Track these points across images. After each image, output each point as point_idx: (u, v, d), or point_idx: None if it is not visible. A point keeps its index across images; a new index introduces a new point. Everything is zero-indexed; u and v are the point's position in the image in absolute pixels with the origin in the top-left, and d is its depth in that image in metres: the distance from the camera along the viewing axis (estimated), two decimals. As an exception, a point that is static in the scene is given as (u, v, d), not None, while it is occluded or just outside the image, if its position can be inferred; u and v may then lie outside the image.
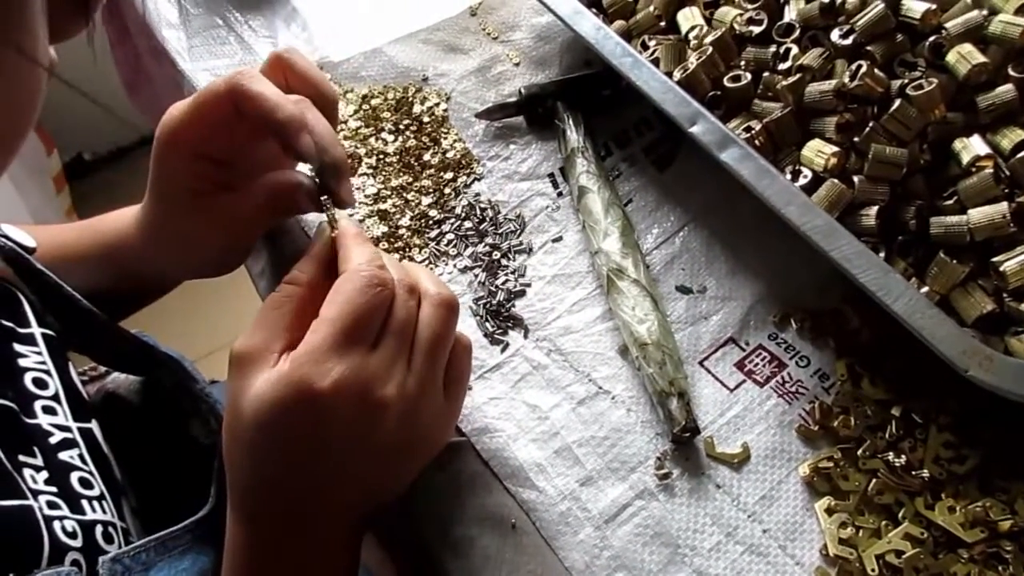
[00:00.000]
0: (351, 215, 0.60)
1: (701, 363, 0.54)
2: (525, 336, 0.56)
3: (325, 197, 0.46)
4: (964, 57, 0.51)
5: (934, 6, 0.53)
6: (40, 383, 0.48)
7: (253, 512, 0.42)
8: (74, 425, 0.47)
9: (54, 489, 0.43)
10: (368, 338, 0.41)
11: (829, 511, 0.48)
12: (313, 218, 0.60)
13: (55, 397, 0.48)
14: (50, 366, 0.48)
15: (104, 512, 0.45)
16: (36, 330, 0.50)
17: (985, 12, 0.53)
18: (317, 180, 0.46)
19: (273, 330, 0.42)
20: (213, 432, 0.53)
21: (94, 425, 0.48)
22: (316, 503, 0.42)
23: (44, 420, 0.47)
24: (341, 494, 0.43)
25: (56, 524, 0.41)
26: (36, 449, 0.44)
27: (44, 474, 0.44)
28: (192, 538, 0.45)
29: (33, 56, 0.33)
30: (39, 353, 0.49)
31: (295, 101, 0.44)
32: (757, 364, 0.53)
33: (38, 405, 0.47)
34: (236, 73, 0.45)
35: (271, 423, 0.40)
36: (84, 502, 0.45)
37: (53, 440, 0.46)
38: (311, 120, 0.44)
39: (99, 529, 0.43)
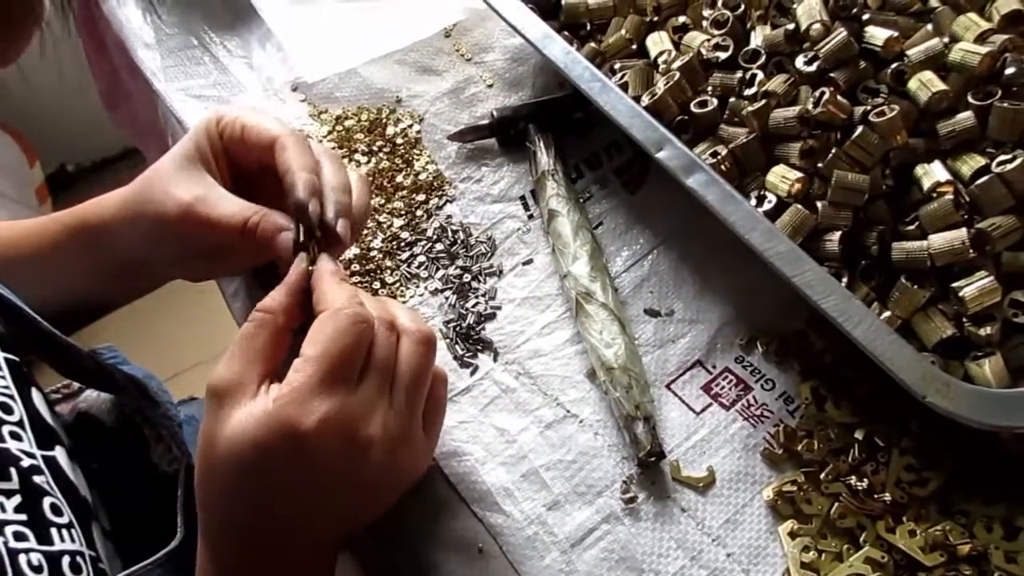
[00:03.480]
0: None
1: (668, 386, 0.54)
2: (494, 359, 0.56)
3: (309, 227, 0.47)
4: (925, 84, 0.52)
5: (896, 33, 0.54)
6: (6, 408, 0.47)
7: (226, 549, 0.42)
8: (38, 453, 0.47)
9: (23, 517, 0.43)
10: (352, 376, 0.41)
11: (792, 535, 0.48)
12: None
13: (20, 423, 0.47)
14: (13, 391, 0.48)
15: (73, 541, 0.45)
16: None
17: (946, 40, 0.54)
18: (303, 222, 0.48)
19: (248, 362, 0.42)
20: (176, 459, 0.53)
21: (58, 453, 0.48)
22: (294, 537, 0.43)
23: (12, 445, 0.46)
24: (319, 527, 0.44)
25: (21, 558, 0.40)
26: (12, 471, 0.44)
27: (16, 499, 0.43)
28: (163, 572, 0.45)
29: None
30: (3, 378, 0.48)
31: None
32: (723, 387, 0.54)
33: (5, 430, 0.46)
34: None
35: (253, 465, 0.40)
36: (53, 531, 0.44)
37: (24, 464, 0.46)
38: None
39: (66, 560, 0.43)
